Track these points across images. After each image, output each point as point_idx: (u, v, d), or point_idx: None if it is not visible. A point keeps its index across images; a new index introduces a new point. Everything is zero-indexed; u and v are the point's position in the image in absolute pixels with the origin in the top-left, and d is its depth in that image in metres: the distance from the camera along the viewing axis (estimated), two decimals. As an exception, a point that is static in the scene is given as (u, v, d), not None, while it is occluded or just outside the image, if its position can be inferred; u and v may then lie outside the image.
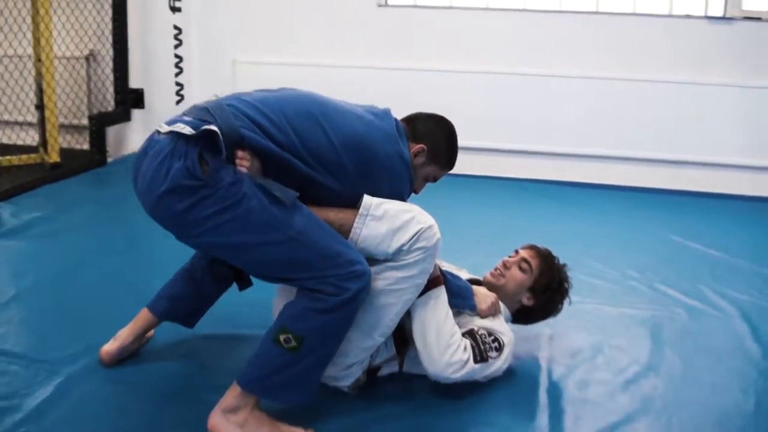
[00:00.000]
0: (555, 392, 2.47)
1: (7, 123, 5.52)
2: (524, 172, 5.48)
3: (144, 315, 2.59)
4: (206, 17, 5.75)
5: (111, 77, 5.67)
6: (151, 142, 2.13)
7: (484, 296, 2.55)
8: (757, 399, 2.48)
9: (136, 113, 5.75)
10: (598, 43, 5.36)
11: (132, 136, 5.80)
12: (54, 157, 5.08)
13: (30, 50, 5.35)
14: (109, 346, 2.55)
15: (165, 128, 2.11)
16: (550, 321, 2.89)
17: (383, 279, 2.22)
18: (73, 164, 5.20)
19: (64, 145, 5.38)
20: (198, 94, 5.67)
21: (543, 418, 2.31)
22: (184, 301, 2.60)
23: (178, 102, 5.65)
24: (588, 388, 2.50)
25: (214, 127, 2.04)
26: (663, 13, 5.30)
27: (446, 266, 2.72)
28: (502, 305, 2.61)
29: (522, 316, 2.70)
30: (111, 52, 5.59)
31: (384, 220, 2.19)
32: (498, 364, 2.41)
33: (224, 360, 2.60)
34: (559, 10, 5.41)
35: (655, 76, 5.29)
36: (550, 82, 5.42)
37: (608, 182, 5.41)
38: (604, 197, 5.12)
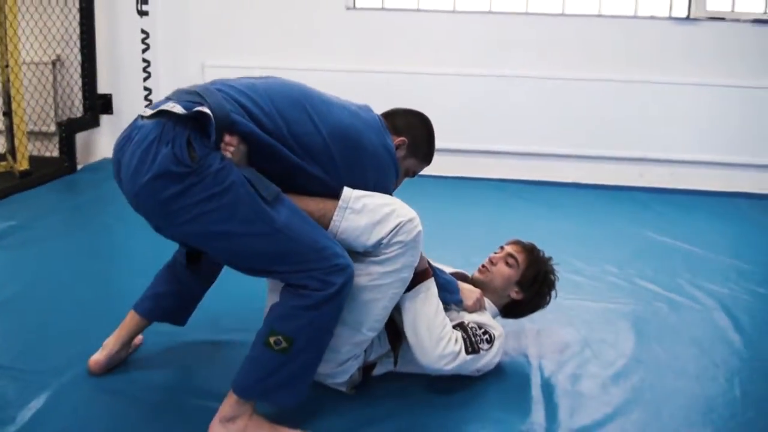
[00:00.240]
0: (548, 387, 2.50)
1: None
2: (495, 173, 5.54)
3: (130, 318, 2.56)
4: (174, 21, 5.72)
5: (78, 82, 5.61)
6: (135, 127, 2.07)
7: (469, 292, 2.57)
8: (743, 388, 2.54)
9: (104, 119, 5.71)
10: (564, 44, 5.44)
11: (101, 142, 5.75)
12: (24, 165, 5.01)
13: (-7, 57, 5.28)
14: (97, 356, 2.51)
15: (150, 113, 2.06)
16: (536, 317, 2.93)
17: (366, 274, 2.22)
18: (42, 171, 5.13)
19: (32, 152, 5.30)
20: (168, 99, 5.64)
21: (539, 413, 2.34)
22: (169, 299, 2.56)
23: (146, 107, 5.58)
24: (580, 382, 2.53)
25: (206, 110, 2.00)
26: (628, 15, 5.39)
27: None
28: (487, 302, 2.64)
29: (511, 310, 2.73)
30: (78, 57, 5.52)
31: (363, 213, 2.18)
32: (489, 356, 2.43)
33: (214, 366, 2.58)
34: (526, 12, 5.48)
35: (621, 75, 5.39)
36: (517, 83, 5.49)
37: (579, 181, 5.49)
38: (575, 196, 5.20)
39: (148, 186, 1.98)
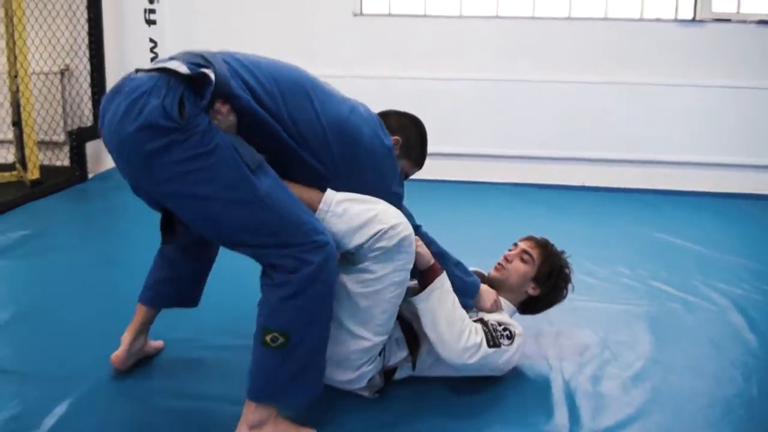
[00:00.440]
0: (569, 389, 2.52)
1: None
2: (503, 176, 5.56)
3: (138, 310, 2.58)
4: (182, 30, 5.75)
5: (87, 92, 5.63)
6: (127, 80, 2.01)
7: (486, 293, 2.58)
8: (760, 388, 2.56)
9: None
10: (571, 48, 5.47)
11: (111, 151, 5.74)
12: (35, 174, 5.04)
13: (1, 67, 5.31)
14: (118, 352, 2.54)
15: (149, 67, 2.01)
16: (554, 320, 2.97)
17: (358, 282, 2.20)
18: (53, 181, 5.16)
19: (42, 162, 5.32)
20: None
21: (562, 414, 2.36)
22: (167, 284, 2.54)
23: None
24: (600, 384, 2.56)
25: (210, 72, 1.97)
26: (634, 17, 5.42)
27: None
28: (504, 301, 2.65)
29: (528, 306, 2.73)
30: (87, 67, 5.54)
31: (343, 218, 2.16)
32: (510, 353, 2.43)
33: (235, 370, 2.56)
34: (532, 16, 5.50)
35: (628, 78, 5.42)
36: (524, 88, 5.52)
37: (587, 184, 5.53)
38: (584, 198, 5.22)
39: (133, 136, 1.92)
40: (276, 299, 2.04)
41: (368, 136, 2.28)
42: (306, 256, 2.01)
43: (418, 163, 2.58)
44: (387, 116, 2.49)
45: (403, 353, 2.45)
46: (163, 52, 5.59)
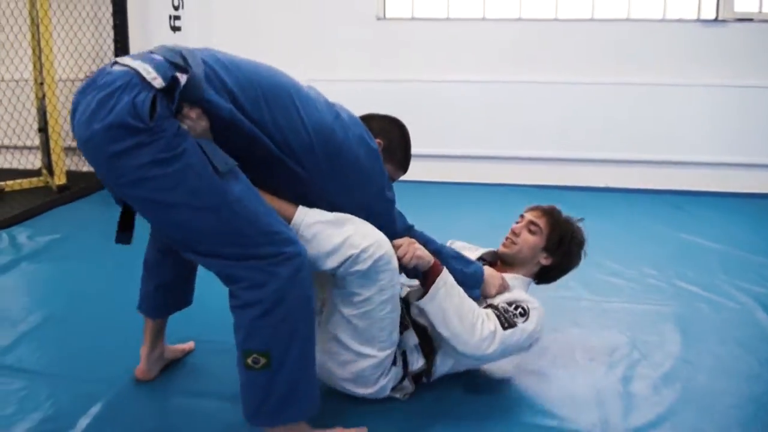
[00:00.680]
0: (600, 388, 2.53)
1: (7, 148, 5.54)
2: (527, 179, 5.56)
3: (146, 322, 2.58)
4: (206, 36, 5.78)
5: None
6: (102, 73, 1.92)
7: (490, 279, 2.50)
8: (790, 387, 2.55)
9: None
10: (594, 49, 5.47)
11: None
12: (61, 180, 5.10)
13: (28, 74, 5.39)
14: (139, 366, 2.57)
15: (127, 61, 1.91)
16: (582, 321, 3.00)
17: (348, 305, 2.19)
18: (80, 186, 5.22)
19: (68, 167, 5.39)
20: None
21: (593, 413, 2.37)
22: (158, 294, 2.50)
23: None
24: (630, 384, 2.56)
25: (182, 78, 1.87)
26: (656, 18, 5.41)
27: (459, 245, 2.75)
28: (515, 277, 2.60)
29: (544, 276, 2.69)
30: (112, 74, 5.60)
31: (313, 243, 2.09)
32: (530, 328, 2.37)
33: None
34: (555, 18, 5.51)
35: (649, 79, 5.41)
36: (548, 90, 5.52)
37: (610, 185, 5.52)
38: (608, 200, 5.22)
39: (100, 134, 1.84)
40: (248, 320, 1.96)
41: (353, 142, 2.20)
42: (274, 269, 1.93)
43: (403, 166, 2.51)
44: (369, 120, 2.42)
45: (423, 360, 2.43)
46: (188, 57, 5.63)
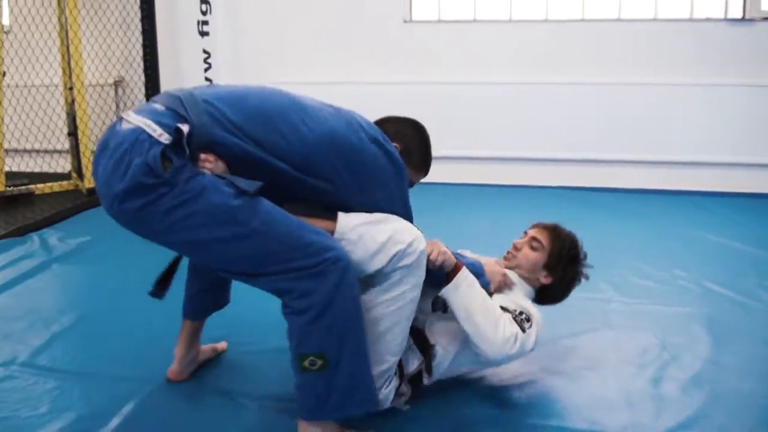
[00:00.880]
0: (630, 390, 2.52)
1: (37, 152, 5.61)
2: (557, 180, 5.54)
3: (184, 324, 2.62)
4: (234, 40, 5.85)
5: (141, 102, 5.75)
6: (112, 133, 2.01)
7: (492, 274, 2.48)
8: (821, 390, 2.53)
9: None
10: (622, 49, 5.45)
11: (166, 159, 5.84)
12: (91, 183, 5.16)
13: (57, 79, 5.46)
14: (172, 367, 2.61)
15: (132, 118, 1.99)
16: (613, 323, 2.99)
17: (377, 305, 2.17)
18: (110, 189, 5.26)
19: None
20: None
21: (623, 415, 2.36)
22: (202, 296, 2.58)
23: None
24: (660, 385, 2.55)
25: (185, 128, 1.95)
26: (684, 17, 5.38)
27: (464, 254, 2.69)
28: (517, 278, 2.56)
29: (545, 296, 2.63)
30: (141, 78, 5.67)
31: (359, 245, 2.11)
32: (534, 335, 2.34)
33: None
34: (582, 18, 5.50)
35: (677, 79, 5.38)
36: (577, 90, 5.51)
37: (640, 186, 5.48)
38: (637, 201, 5.19)
39: (119, 198, 1.93)
40: (300, 325, 2.02)
41: (369, 145, 2.21)
42: (319, 276, 1.99)
43: (422, 169, 2.49)
44: (384, 123, 2.42)
45: (419, 358, 2.39)
46: (216, 62, 5.68)
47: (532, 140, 5.60)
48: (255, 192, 1.98)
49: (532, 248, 2.58)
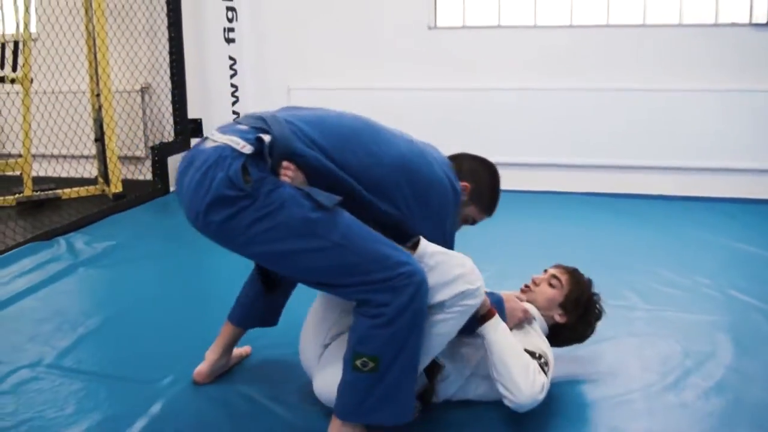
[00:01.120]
0: (651, 397, 2.51)
1: (64, 157, 5.68)
2: (582, 186, 5.52)
3: (225, 328, 2.66)
4: (260, 47, 5.90)
5: (168, 108, 5.82)
6: (197, 151, 2.13)
7: (512, 309, 2.48)
8: None
9: (195, 142, 5.80)
10: (646, 55, 5.41)
11: (191, 165, 5.89)
12: (117, 188, 5.22)
13: (85, 86, 5.53)
14: (200, 367, 2.63)
15: (217, 137, 2.11)
16: (636, 330, 2.98)
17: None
18: (135, 194, 5.33)
19: (124, 176, 5.53)
20: (254, 122, 5.81)
21: (645, 422, 2.36)
22: (257, 306, 2.62)
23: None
24: (682, 393, 2.53)
25: (266, 137, 2.04)
26: (708, 23, 5.35)
27: None
28: (537, 313, 2.57)
29: (555, 335, 2.62)
30: (168, 84, 5.73)
31: (435, 271, 2.14)
32: (548, 381, 2.36)
33: None
34: (606, 24, 5.48)
35: (703, 85, 5.33)
36: (601, 96, 5.48)
37: (664, 192, 5.44)
38: (661, 207, 5.15)
39: (204, 212, 2.03)
40: (367, 327, 2.07)
41: (440, 179, 2.30)
42: (396, 289, 2.04)
43: (488, 211, 2.54)
44: (460, 159, 2.48)
45: (422, 381, 2.37)
46: (242, 69, 5.74)
47: (557, 146, 5.58)
48: (332, 206, 2.06)
49: (551, 285, 2.61)
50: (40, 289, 3.59)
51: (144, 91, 5.93)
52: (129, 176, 5.76)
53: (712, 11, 5.36)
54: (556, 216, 5.00)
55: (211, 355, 2.64)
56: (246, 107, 5.77)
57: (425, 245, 2.19)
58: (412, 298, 2.05)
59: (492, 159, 2.53)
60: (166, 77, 5.72)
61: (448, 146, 2.58)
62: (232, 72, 5.70)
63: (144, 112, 5.97)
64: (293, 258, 2.06)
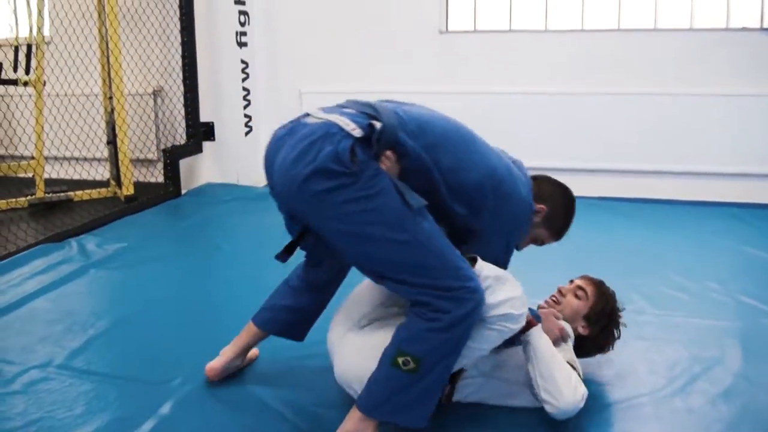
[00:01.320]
0: (658, 402, 2.51)
1: (77, 159, 5.71)
2: (592, 191, 5.50)
3: (248, 329, 2.67)
4: (271, 51, 5.92)
5: (180, 111, 5.85)
6: (300, 123, 2.17)
7: (548, 325, 2.49)
8: None
9: (207, 145, 5.91)
10: (657, 59, 5.40)
11: (204, 168, 5.97)
12: (129, 190, 5.24)
13: (97, 89, 5.57)
14: (214, 363, 2.64)
15: (321, 115, 2.15)
16: (645, 335, 2.97)
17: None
18: (147, 196, 5.36)
19: (136, 179, 5.54)
20: (266, 125, 5.84)
21: (651, 427, 2.36)
22: (286, 312, 2.63)
23: (246, 133, 5.81)
24: (689, 398, 2.53)
25: (378, 124, 2.10)
26: (720, 27, 5.34)
27: None
28: (568, 327, 2.59)
29: (578, 346, 2.63)
30: (178, 88, 5.76)
31: (487, 291, 2.17)
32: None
33: (332, 381, 2.55)
34: (618, 28, 5.48)
35: (714, 89, 5.31)
36: (610, 100, 5.47)
37: (675, 197, 5.43)
38: (672, 212, 5.14)
39: (305, 178, 2.05)
40: (420, 328, 2.09)
41: (521, 196, 2.36)
42: (458, 301, 2.07)
43: (557, 235, 2.59)
44: (541, 181, 2.54)
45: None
46: (254, 72, 5.77)
47: (567, 150, 5.57)
48: (418, 208, 2.10)
49: (576, 296, 2.64)
50: (51, 290, 3.61)
51: (156, 94, 5.96)
52: (141, 179, 5.79)
53: (723, 16, 5.34)
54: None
55: (227, 352, 2.66)
56: (257, 110, 5.81)
57: (482, 266, 2.22)
58: (470, 313, 2.09)
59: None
60: (179, 80, 5.75)
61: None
62: (244, 75, 5.73)
63: (156, 115, 6.00)
64: (374, 244, 2.09)
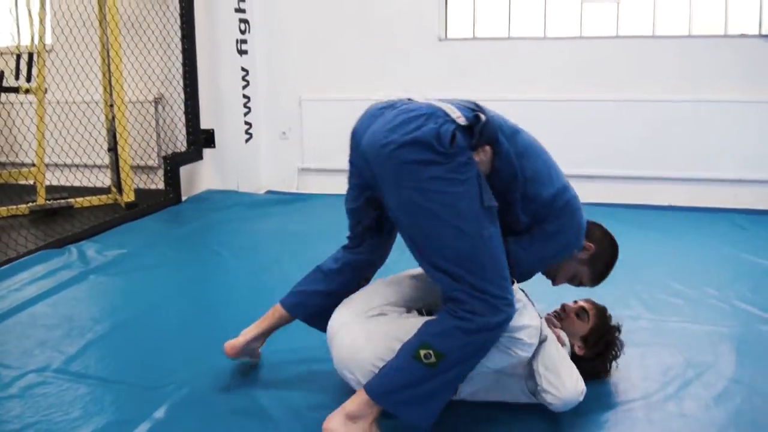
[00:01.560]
0: (651, 406, 2.51)
1: (77, 166, 5.73)
2: (590, 197, 5.48)
3: (273, 311, 2.67)
4: (272, 59, 5.95)
5: (181, 119, 5.87)
6: (401, 102, 2.26)
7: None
8: None
9: (207, 152, 5.93)
10: (657, 66, 5.42)
11: (204, 175, 5.98)
12: (130, 197, 5.26)
13: (98, 96, 5.59)
14: (235, 341, 2.66)
15: (424, 101, 2.23)
16: (639, 340, 2.97)
17: None
18: (148, 203, 5.38)
19: (136, 185, 5.57)
20: (266, 132, 5.88)
21: (643, 431, 2.37)
22: (315, 298, 2.62)
23: (247, 140, 5.83)
24: (683, 403, 2.54)
25: (483, 116, 2.16)
26: (718, 34, 5.36)
27: None
28: (568, 342, 2.62)
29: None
30: (181, 95, 5.78)
31: None
32: None
33: (336, 383, 2.58)
34: (616, 35, 5.50)
35: (712, 95, 5.34)
36: (608, 107, 5.51)
37: (674, 204, 5.45)
38: (671, 218, 5.15)
39: (401, 144, 2.10)
40: (450, 325, 2.11)
41: (580, 223, 2.43)
42: (495, 308, 2.10)
43: (596, 279, 2.63)
44: (593, 225, 2.60)
45: None
46: (255, 80, 5.80)
47: (566, 157, 5.49)
48: (489, 207, 2.15)
49: (578, 316, 2.66)
50: (50, 295, 3.63)
51: (157, 101, 5.99)
52: (141, 185, 5.80)
53: (722, 22, 5.36)
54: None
55: (250, 333, 2.67)
56: (258, 118, 5.83)
57: (516, 288, 2.25)
58: (500, 324, 2.12)
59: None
60: (179, 88, 5.77)
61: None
62: (244, 83, 5.76)
63: (157, 123, 6.03)
64: (440, 225, 2.10)
